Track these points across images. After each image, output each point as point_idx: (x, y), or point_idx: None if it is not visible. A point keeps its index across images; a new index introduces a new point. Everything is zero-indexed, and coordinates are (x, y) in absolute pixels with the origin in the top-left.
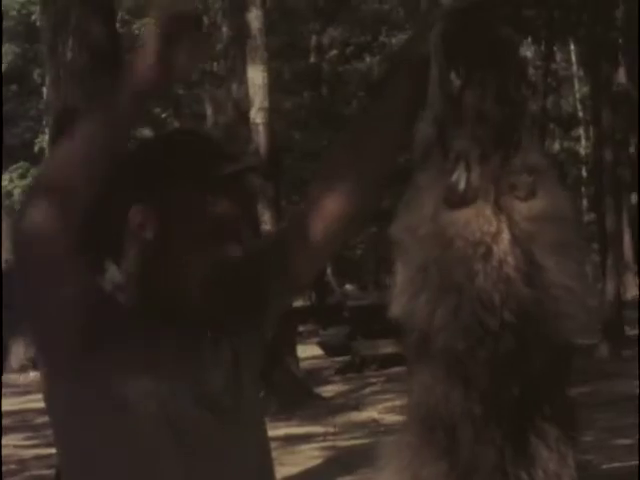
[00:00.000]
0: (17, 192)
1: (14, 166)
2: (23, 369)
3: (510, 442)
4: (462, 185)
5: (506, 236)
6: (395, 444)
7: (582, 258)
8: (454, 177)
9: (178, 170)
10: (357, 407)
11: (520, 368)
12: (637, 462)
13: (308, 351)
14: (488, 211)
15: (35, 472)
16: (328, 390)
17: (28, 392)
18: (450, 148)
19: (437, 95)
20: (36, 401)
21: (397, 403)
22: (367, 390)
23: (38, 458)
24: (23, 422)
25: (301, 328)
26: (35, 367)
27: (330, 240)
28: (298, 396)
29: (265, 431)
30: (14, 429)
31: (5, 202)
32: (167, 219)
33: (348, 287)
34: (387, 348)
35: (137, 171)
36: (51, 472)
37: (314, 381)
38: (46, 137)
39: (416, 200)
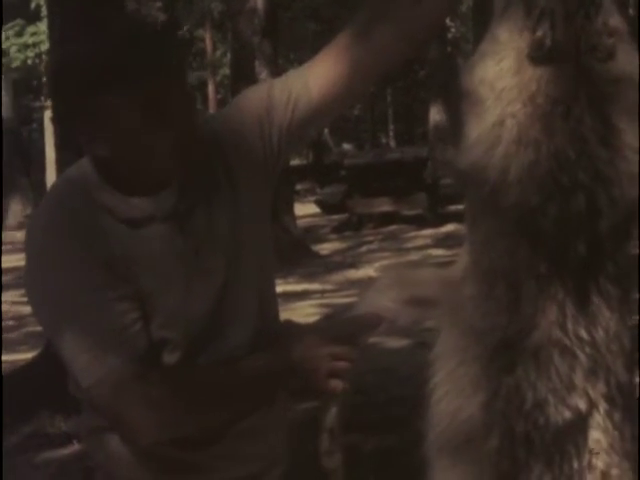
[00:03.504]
0: (13, 50)
1: (10, 24)
2: (21, 226)
3: (572, 300)
4: (548, 42)
5: (584, 96)
6: (454, 297)
7: None
8: (539, 33)
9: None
10: (354, 265)
11: (588, 227)
12: None
13: (305, 209)
14: (569, 70)
15: (32, 328)
16: (325, 248)
17: None
18: (534, 4)
19: None
20: None
21: (393, 261)
22: (364, 248)
23: None
24: (20, 279)
25: (298, 187)
26: None
27: (349, 88)
28: (295, 254)
29: (273, 289)
30: (12, 286)
31: None
32: (104, 127)
33: (345, 146)
34: (384, 206)
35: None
36: None
37: (311, 239)
38: None
39: (495, 54)
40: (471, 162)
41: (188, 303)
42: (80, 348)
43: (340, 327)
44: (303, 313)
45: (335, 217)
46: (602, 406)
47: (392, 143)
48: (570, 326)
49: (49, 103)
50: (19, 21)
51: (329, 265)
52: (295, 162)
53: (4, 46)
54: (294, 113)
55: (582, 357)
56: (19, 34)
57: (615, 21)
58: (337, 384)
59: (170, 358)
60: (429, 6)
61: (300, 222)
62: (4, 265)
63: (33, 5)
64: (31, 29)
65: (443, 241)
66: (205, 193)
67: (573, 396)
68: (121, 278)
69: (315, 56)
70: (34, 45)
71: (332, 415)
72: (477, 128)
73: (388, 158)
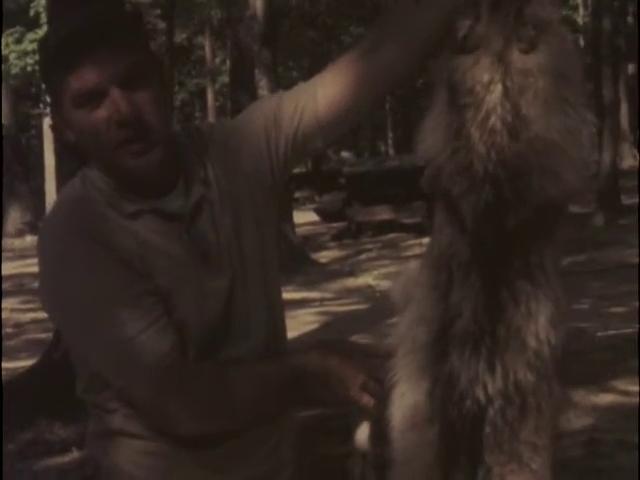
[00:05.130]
0: (12, 57)
1: (10, 31)
2: (20, 233)
3: (485, 292)
4: (462, 32)
5: (499, 87)
6: (411, 281)
7: (581, 117)
8: (458, 24)
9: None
10: (353, 273)
11: (496, 221)
12: (631, 330)
13: (304, 217)
14: (486, 61)
15: (31, 335)
16: (324, 256)
17: (25, 256)
18: None
19: None
20: (32, 265)
21: (392, 269)
22: (363, 256)
23: (35, 322)
24: (20, 286)
25: (297, 194)
26: (31, 231)
27: (356, 105)
28: (294, 262)
29: (279, 295)
30: (11, 293)
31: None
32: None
33: (344, 154)
34: (383, 214)
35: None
36: (47, 336)
37: (310, 247)
38: (42, 1)
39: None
40: (423, 147)
41: (202, 300)
42: (111, 346)
43: (366, 350)
44: (302, 321)
45: (334, 225)
46: (497, 402)
47: (391, 151)
48: (480, 318)
49: (48, 110)
50: (18, 28)
51: (328, 273)
52: (294, 170)
53: (4, 53)
54: (300, 122)
55: (483, 350)
56: (18, 41)
57: (546, 12)
58: (369, 399)
59: (189, 355)
60: (438, 21)
61: (299, 230)
62: (3, 272)
63: (32, 12)
64: (30, 36)
65: None
66: (209, 198)
67: (477, 389)
68: (142, 274)
69: (317, 64)
70: (33, 52)
71: (364, 436)
72: (429, 113)
73: (387, 166)
